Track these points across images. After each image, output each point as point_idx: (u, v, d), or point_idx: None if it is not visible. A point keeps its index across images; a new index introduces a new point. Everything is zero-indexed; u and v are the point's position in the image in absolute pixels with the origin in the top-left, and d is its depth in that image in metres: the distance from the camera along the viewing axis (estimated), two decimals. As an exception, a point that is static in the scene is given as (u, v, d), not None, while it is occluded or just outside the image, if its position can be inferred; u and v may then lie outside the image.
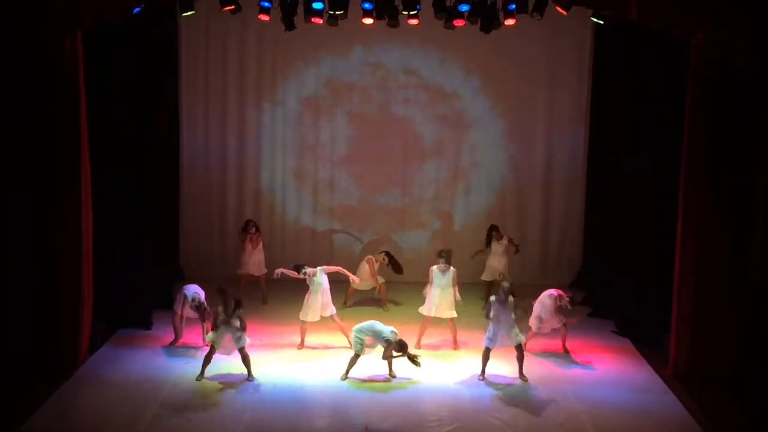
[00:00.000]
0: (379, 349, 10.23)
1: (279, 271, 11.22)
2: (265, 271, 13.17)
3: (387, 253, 13.13)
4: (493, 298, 10.26)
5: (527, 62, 14.29)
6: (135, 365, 10.45)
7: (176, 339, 11.25)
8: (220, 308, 9.99)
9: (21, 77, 9.96)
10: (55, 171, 10.14)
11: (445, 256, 11.13)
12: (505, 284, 10.16)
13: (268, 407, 9.34)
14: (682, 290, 10.33)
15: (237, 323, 9.97)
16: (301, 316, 11.19)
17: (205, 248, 14.65)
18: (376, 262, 13.01)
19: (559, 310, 11.01)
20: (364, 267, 12.97)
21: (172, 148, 14.06)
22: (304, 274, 11.10)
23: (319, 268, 11.16)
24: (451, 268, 11.11)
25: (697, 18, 9.71)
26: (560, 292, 11.15)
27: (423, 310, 11.26)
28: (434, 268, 11.14)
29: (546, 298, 11.10)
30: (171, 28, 13.59)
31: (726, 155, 10.05)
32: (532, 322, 11.04)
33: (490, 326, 10.17)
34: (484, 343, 10.26)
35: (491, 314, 10.14)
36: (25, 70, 9.93)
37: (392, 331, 10.09)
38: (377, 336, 10.11)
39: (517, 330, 10.16)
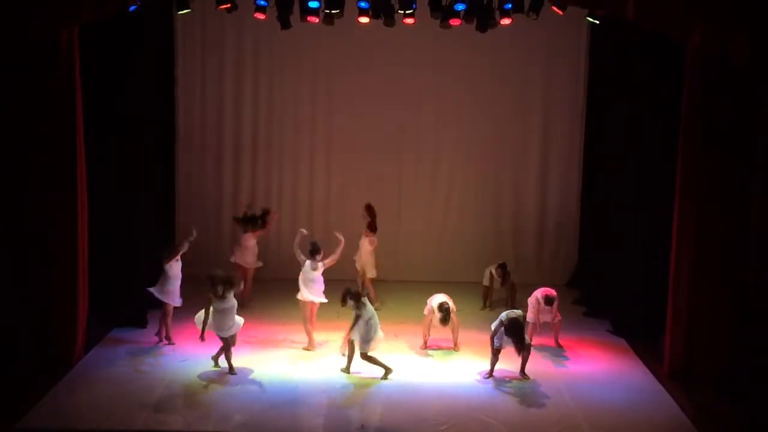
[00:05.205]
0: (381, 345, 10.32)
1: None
2: (260, 263, 13.08)
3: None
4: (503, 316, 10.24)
5: (523, 61, 14.29)
6: (130, 364, 10.42)
7: (167, 337, 11.21)
8: (212, 295, 10.04)
9: (16, 72, 9.91)
10: (50, 168, 10.11)
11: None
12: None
13: (262, 406, 9.31)
14: (678, 290, 10.34)
15: (233, 302, 10.06)
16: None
17: (200, 247, 14.57)
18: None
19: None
20: (365, 246, 12.87)
21: (168, 146, 14.02)
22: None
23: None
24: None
25: (695, 17, 9.69)
26: (544, 292, 11.20)
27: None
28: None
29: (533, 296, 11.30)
30: (167, 26, 13.56)
31: (723, 155, 10.05)
32: (530, 316, 11.14)
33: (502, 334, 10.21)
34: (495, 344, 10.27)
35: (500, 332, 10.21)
36: (21, 66, 9.88)
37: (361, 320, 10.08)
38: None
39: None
